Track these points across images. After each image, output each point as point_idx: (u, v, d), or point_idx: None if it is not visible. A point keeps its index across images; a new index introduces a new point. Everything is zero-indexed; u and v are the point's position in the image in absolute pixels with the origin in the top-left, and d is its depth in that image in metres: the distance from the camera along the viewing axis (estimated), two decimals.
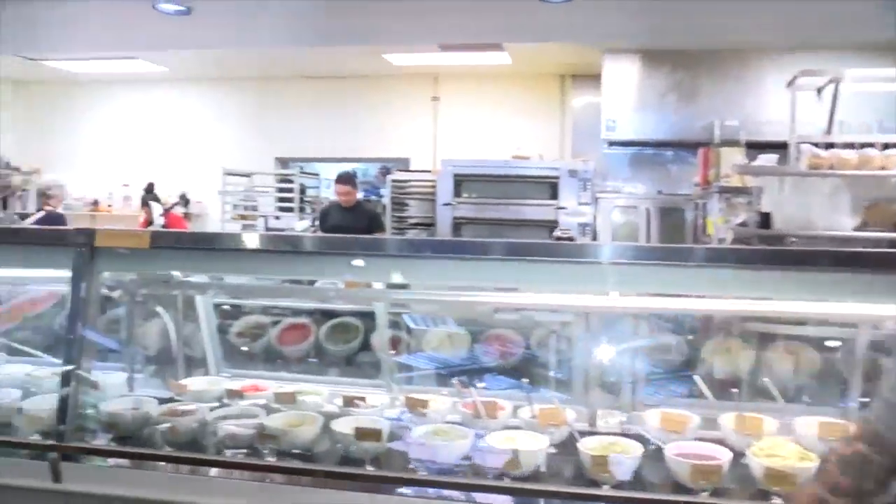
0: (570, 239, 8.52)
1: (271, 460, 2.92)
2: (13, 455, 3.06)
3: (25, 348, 4.12)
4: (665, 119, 9.11)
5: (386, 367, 4.00)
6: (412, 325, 4.06)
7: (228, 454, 2.97)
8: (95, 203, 11.83)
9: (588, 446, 2.72)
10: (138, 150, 11.74)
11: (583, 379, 3.37)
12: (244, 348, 4.14)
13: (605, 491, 2.55)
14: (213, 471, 2.92)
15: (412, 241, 3.03)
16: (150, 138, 11.79)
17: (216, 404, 3.47)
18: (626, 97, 9.21)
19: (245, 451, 2.98)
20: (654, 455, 2.74)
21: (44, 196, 10.64)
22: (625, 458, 2.64)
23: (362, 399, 3.35)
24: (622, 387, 3.32)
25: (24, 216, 10.65)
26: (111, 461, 3.00)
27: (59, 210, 10.29)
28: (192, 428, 3.11)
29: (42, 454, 3.01)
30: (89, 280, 3.15)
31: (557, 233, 8.68)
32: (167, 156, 11.58)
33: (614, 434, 2.97)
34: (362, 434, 2.90)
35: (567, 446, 2.87)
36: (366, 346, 4.14)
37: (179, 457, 2.94)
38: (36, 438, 3.10)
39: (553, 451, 2.86)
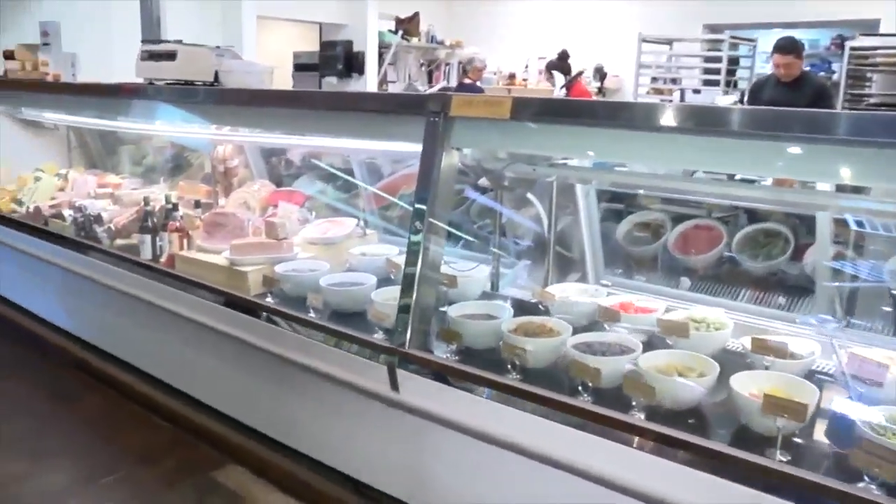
0: None
1: (640, 418, 2.17)
2: (355, 352, 2.79)
3: (398, 229, 3.92)
4: None
5: (823, 296, 2.94)
6: (869, 243, 2.91)
7: (585, 398, 2.28)
8: (512, 77, 11.81)
9: None
10: (555, 20, 11.31)
11: None
12: (631, 252, 3.38)
13: None
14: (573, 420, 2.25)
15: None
16: (566, 7, 11.25)
17: (584, 323, 2.81)
18: None
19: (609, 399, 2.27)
20: None
21: (464, 69, 10.85)
22: None
23: (783, 345, 2.39)
24: None
25: (446, 90, 11.01)
26: (454, 381, 2.54)
27: (479, 83, 10.42)
28: (544, 356, 2.50)
29: (381, 356, 2.68)
30: (441, 154, 2.65)
31: None
32: (582, 26, 10.95)
33: None
34: (781, 406, 1.98)
35: None
36: (793, 263, 3.10)
37: (532, 393, 2.34)
38: (379, 337, 2.77)
39: None
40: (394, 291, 2.88)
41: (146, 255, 3.92)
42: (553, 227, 3.27)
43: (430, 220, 2.68)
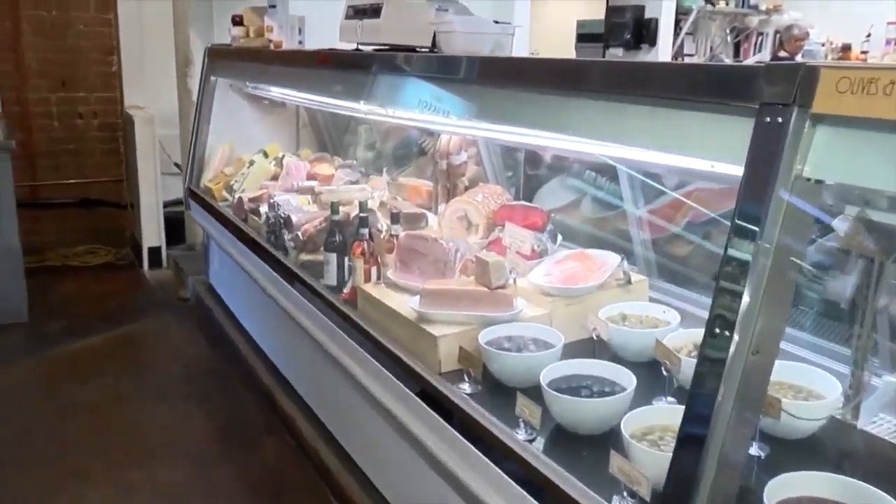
0: None
1: None
2: None
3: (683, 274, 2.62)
4: None
5: None
6: None
7: None
8: (846, 49, 9.57)
9: None
10: None
11: None
12: None
13: None
14: None
15: None
16: None
17: None
18: None
19: None
20: None
21: (780, 39, 8.94)
22: None
23: None
24: None
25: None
26: None
27: (798, 57, 8.47)
28: None
29: None
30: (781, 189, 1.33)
31: None
32: None
33: None
34: None
35: None
36: None
37: None
38: None
39: None
40: (662, 415, 1.64)
41: (330, 280, 3.00)
42: None
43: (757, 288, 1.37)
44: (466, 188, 3.42)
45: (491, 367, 2.16)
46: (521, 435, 1.89)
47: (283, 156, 4.58)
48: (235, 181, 4.55)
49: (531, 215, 2.86)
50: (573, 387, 1.97)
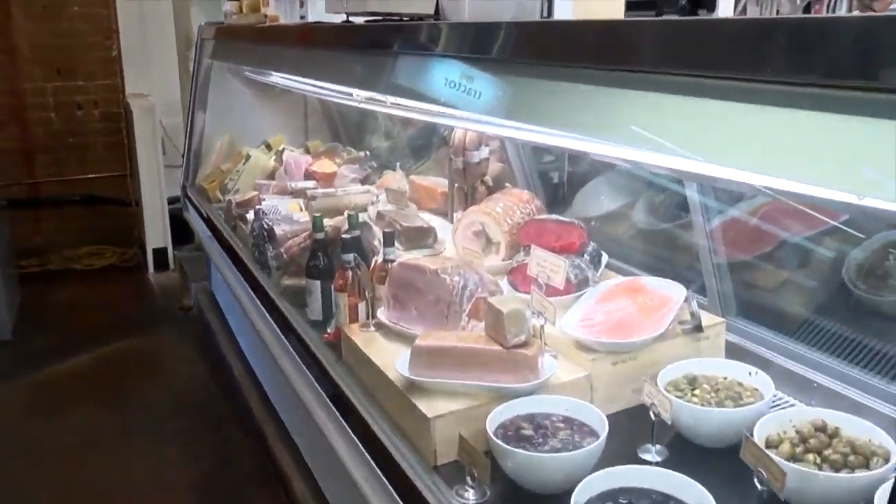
0: None
1: None
2: None
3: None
4: None
5: None
6: None
7: None
8: None
9: None
10: None
11: None
12: None
13: None
14: None
15: None
16: None
17: None
18: None
19: None
20: None
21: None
22: None
23: None
24: None
25: None
26: None
27: None
28: None
29: None
30: None
31: None
32: None
33: None
34: None
35: None
36: None
37: None
38: None
39: None
40: None
41: (314, 313, 2.40)
42: None
43: None
44: (489, 190, 2.78)
45: (503, 465, 1.53)
46: None
47: (283, 149, 3.98)
48: (231, 179, 3.99)
49: (567, 233, 2.20)
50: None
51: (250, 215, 3.17)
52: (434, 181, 3.18)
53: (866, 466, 1.41)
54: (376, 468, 1.76)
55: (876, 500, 1.29)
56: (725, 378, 1.75)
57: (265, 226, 2.88)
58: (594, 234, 2.35)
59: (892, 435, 1.47)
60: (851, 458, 1.43)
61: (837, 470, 1.42)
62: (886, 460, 1.41)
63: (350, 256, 2.18)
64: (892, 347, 1.80)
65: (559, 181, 3.04)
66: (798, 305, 1.99)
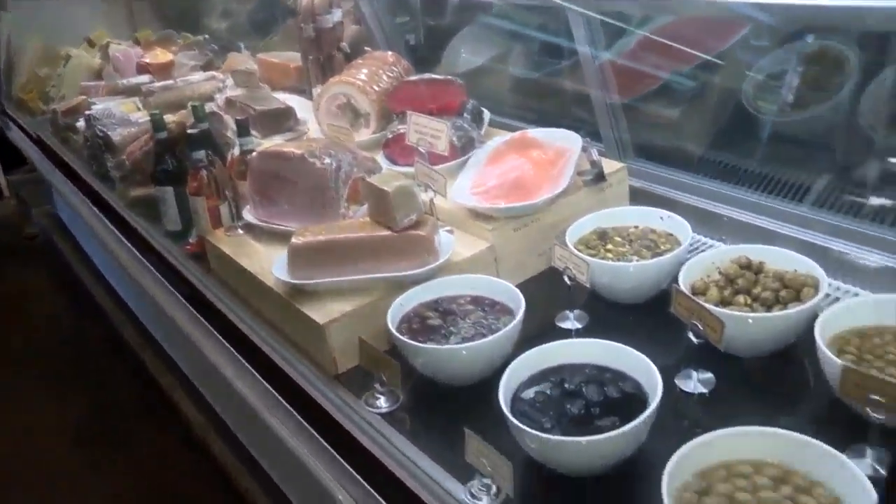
0: None
1: None
2: None
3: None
4: None
5: None
6: None
7: None
8: None
9: None
10: None
11: None
12: None
13: None
14: None
15: None
16: None
17: None
18: None
19: None
20: None
21: None
22: None
23: None
24: None
25: None
26: None
27: None
28: None
29: None
30: None
31: None
32: None
33: None
34: None
35: None
36: None
37: None
38: None
39: None
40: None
41: (171, 224, 2.13)
42: None
43: None
44: (348, 57, 2.50)
45: (414, 363, 1.37)
46: (482, 501, 1.13)
47: (108, 44, 3.51)
48: (52, 86, 3.51)
49: (443, 93, 1.99)
50: (559, 394, 1.20)
51: (80, 123, 2.79)
52: (285, 56, 2.86)
53: (798, 299, 1.32)
54: (269, 388, 1.56)
55: (816, 333, 1.20)
56: (637, 227, 1.62)
57: (99, 133, 2.52)
58: (470, 91, 2.13)
59: (815, 261, 1.39)
60: (783, 293, 1.33)
61: (770, 308, 1.32)
62: (817, 289, 1.32)
63: (201, 154, 1.90)
64: (801, 171, 1.72)
65: (416, 42, 2.79)
66: (699, 138, 1.87)
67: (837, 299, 1.46)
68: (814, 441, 1.02)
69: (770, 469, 1.04)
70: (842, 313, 1.25)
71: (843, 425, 1.11)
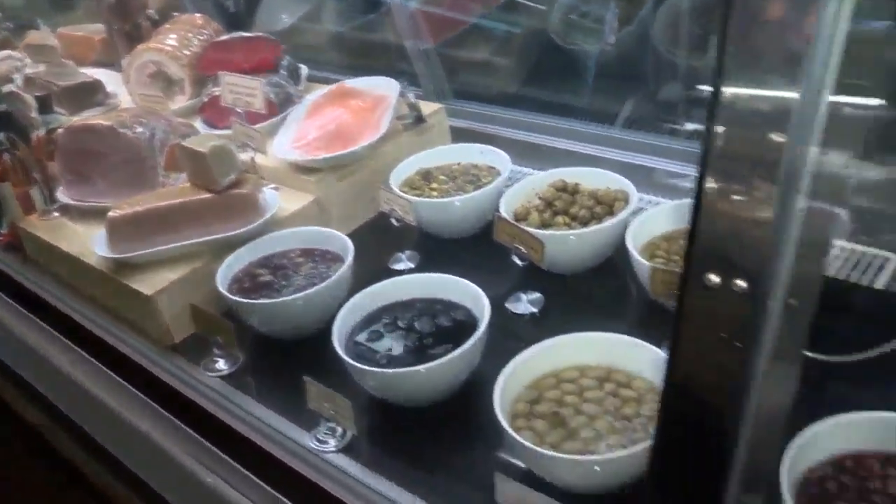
0: None
1: None
2: None
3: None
4: None
5: None
6: None
7: None
8: None
9: None
10: None
11: None
12: None
13: None
14: None
15: None
16: None
17: None
18: None
19: None
20: None
21: None
22: None
23: None
24: None
25: None
26: None
27: None
28: None
29: None
30: None
31: None
32: None
33: None
34: None
35: None
36: None
37: None
38: None
39: None
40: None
41: None
42: None
43: None
44: (155, 24, 2.39)
45: (250, 321, 1.35)
46: (329, 444, 1.14)
47: None
48: None
49: (257, 49, 1.95)
50: (392, 330, 1.22)
51: None
52: (89, 29, 2.70)
53: (611, 214, 1.41)
54: (104, 368, 1.51)
55: (628, 242, 1.28)
56: (459, 164, 1.66)
57: None
58: (288, 49, 2.10)
59: (627, 178, 1.47)
60: (598, 209, 1.41)
61: (586, 224, 1.40)
62: (628, 202, 1.41)
63: (1, 137, 1.78)
64: (611, 98, 1.81)
65: (236, 8, 2.71)
66: (514, 75, 1.93)
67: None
68: (630, 338, 1.10)
69: (594, 371, 1.11)
70: (648, 221, 1.34)
71: (658, 323, 1.20)
